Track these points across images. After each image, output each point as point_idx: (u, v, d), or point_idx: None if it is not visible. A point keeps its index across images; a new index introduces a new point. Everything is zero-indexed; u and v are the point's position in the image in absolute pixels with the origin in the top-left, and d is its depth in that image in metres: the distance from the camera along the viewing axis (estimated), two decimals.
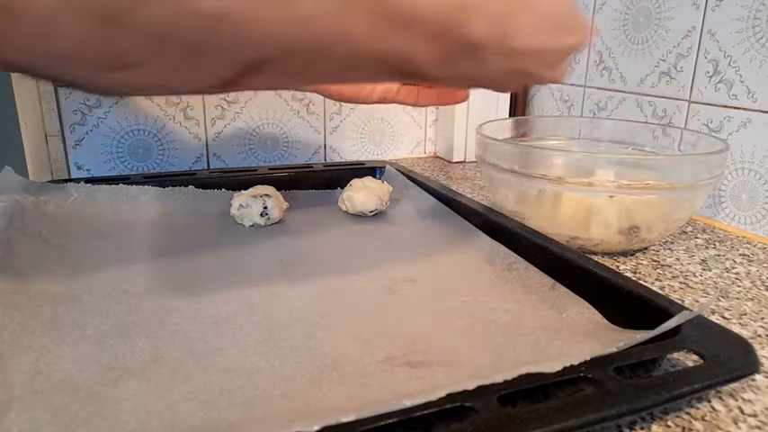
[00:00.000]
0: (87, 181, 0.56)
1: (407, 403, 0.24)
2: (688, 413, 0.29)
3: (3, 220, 0.45)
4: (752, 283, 0.44)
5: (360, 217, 0.55)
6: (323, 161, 0.81)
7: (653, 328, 0.29)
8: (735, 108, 0.55)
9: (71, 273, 0.40)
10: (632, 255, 0.49)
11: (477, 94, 0.81)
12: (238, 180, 0.59)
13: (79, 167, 0.70)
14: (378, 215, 0.56)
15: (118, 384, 0.28)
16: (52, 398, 0.27)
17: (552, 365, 0.27)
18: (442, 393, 0.24)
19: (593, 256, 0.43)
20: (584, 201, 0.46)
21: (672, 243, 0.52)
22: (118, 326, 0.34)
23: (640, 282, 0.38)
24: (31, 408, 0.26)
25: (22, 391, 0.27)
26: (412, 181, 0.61)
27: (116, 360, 0.30)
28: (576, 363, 0.27)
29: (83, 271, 0.41)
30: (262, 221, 0.52)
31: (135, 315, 0.35)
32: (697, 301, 0.41)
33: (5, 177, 0.51)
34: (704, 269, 0.47)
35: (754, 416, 0.28)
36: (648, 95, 0.65)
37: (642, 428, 0.28)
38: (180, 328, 0.34)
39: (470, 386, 0.25)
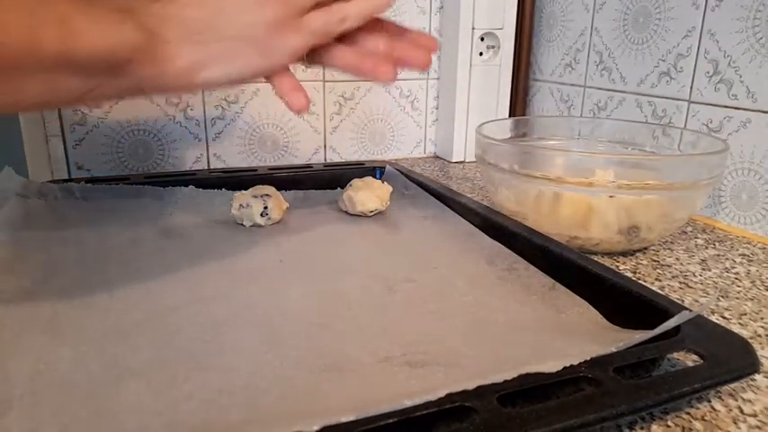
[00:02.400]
0: (87, 181, 0.56)
1: (407, 403, 0.24)
2: (688, 413, 0.29)
3: (3, 220, 0.45)
4: (752, 283, 0.44)
5: (360, 217, 0.55)
6: (323, 161, 0.81)
7: (653, 328, 0.29)
8: (735, 108, 0.55)
9: (71, 273, 0.40)
10: (632, 255, 0.49)
11: (477, 95, 0.81)
12: (238, 180, 0.59)
13: (79, 167, 0.70)
14: (378, 215, 0.56)
15: (118, 384, 0.28)
16: (52, 397, 0.27)
17: (552, 365, 0.27)
18: (442, 393, 0.24)
19: (592, 256, 0.43)
20: (584, 201, 0.46)
21: (672, 243, 0.52)
22: (118, 326, 0.34)
23: (640, 282, 0.38)
24: (31, 407, 0.26)
25: (23, 391, 0.27)
26: (412, 181, 0.61)
27: (116, 360, 0.30)
28: (575, 363, 0.27)
29: (83, 271, 0.41)
30: (262, 221, 0.52)
31: (135, 315, 0.35)
32: (697, 301, 0.41)
33: (6, 177, 0.51)
34: (704, 269, 0.47)
35: (754, 416, 0.29)
36: (648, 95, 0.65)
37: (642, 428, 0.28)
38: (180, 329, 0.34)
39: (470, 386, 0.25)
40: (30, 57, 0.27)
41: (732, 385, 0.30)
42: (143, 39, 0.31)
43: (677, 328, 0.30)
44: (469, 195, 0.61)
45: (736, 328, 0.37)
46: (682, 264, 0.48)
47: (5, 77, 0.28)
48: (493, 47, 0.80)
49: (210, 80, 0.35)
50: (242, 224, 0.52)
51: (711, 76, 0.57)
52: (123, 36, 0.30)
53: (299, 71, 0.76)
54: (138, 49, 0.31)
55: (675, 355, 0.32)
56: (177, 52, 0.32)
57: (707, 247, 0.51)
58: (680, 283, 0.44)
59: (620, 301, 0.35)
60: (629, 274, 0.43)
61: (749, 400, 0.30)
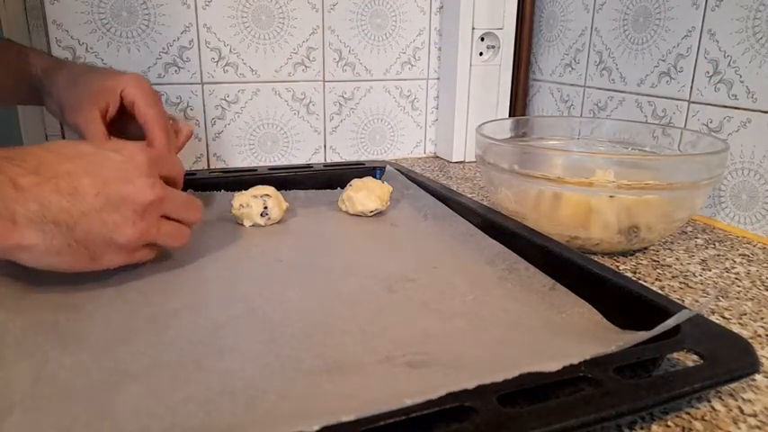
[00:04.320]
0: None
1: (408, 403, 0.24)
2: (688, 413, 0.29)
3: None
4: (752, 283, 0.44)
5: (360, 217, 0.55)
6: (323, 161, 0.81)
7: (653, 328, 0.29)
8: (734, 108, 0.55)
9: (73, 280, 0.40)
10: (632, 255, 0.49)
11: (477, 95, 0.81)
12: (238, 180, 0.59)
13: None
14: (378, 215, 0.56)
15: (119, 388, 0.28)
16: (53, 402, 0.27)
17: (552, 365, 0.27)
18: (442, 393, 0.24)
19: (592, 256, 0.43)
20: (584, 201, 0.46)
21: (672, 243, 0.52)
22: (119, 332, 0.33)
23: (640, 282, 0.38)
24: (32, 411, 0.26)
25: (24, 396, 0.27)
26: (412, 181, 0.61)
27: (117, 365, 0.30)
28: (575, 362, 0.27)
29: (83, 278, 0.40)
30: (262, 221, 0.52)
31: (136, 321, 0.35)
32: (697, 301, 0.41)
33: None
34: (704, 269, 0.47)
35: (754, 416, 0.29)
36: (648, 95, 0.65)
37: (642, 428, 0.28)
38: (181, 332, 0.34)
39: (470, 386, 0.25)
40: None
41: (732, 385, 0.30)
42: None
43: (677, 328, 0.30)
44: (470, 195, 0.61)
45: (736, 329, 0.37)
46: (682, 264, 0.48)
47: None
48: (493, 47, 0.80)
49: (27, 262, 0.35)
50: (242, 224, 0.52)
51: (711, 76, 0.57)
52: None
53: (300, 71, 0.76)
54: None
55: (675, 355, 0.32)
56: (16, 233, 0.33)
57: (707, 247, 0.51)
58: (680, 283, 0.44)
59: (621, 301, 0.35)
60: (629, 275, 0.43)
61: (749, 400, 0.30)
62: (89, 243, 0.35)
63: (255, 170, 0.62)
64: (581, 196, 0.46)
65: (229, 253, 0.46)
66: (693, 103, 0.59)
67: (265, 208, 0.51)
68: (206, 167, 0.75)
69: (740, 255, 0.50)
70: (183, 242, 0.42)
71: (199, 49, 0.71)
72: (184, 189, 0.57)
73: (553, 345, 0.31)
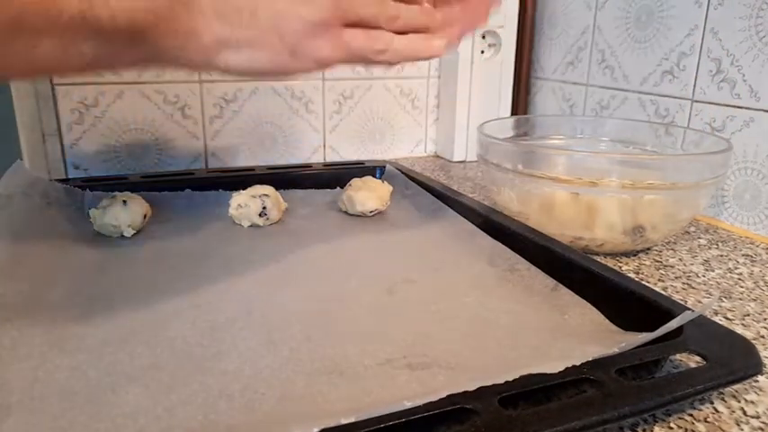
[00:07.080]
0: (85, 180, 0.56)
1: (408, 405, 0.23)
2: (690, 414, 0.28)
3: (6, 221, 0.44)
4: (755, 283, 0.44)
5: (360, 217, 0.55)
6: (322, 161, 0.81)
7: (656, 329, 0.29)
8: (737, 107, 0.55)
9: (70, 282, 0.40)
10: (635, 255, 0.49)
11: (478, 94, 0.80)
12: (237, 180, 0.59)
13: (76, 167, 0.69)
14: (378, 215, 0.55)
15: (116, 390, 0.28)
16: (51, 403, 0.27)
17: (554, 366, 0.26)
18: (443, 395, 0.24)
19: (595, 257, 0.42)
20: (589, 201, 0.46)
21: (674, 243, 0.52)
22: (117, 333, 0.33)
23: (643, 282, 0.38)
24: (29, 413, 0.26)
25: (21, 397, 0.27)
26: (412, 181, 0.61)
27: (114, 366, 0.30)
28: (577, 364, 0.27)
29: (82, 280, 0.40)
30: (260, 222, 0.51)
31: (134, 322, 0.35)
32: (700, 302, 0.41)
33: (15, 172, 0.50)
34: (707, 270, 0.46)
35: (757, 417, 0.28)
36: (651, 94, 0.64)
37: (644, 430, 0.27)
38: (179, 334, 0.33)
39: (471, 387, 0.25)
40: (45, 18, 0.26)
41: (735, 387, 0.30)
42: (169, 7, 0.29)
43: (680, 330, 0.30)
44: (471, 195, 0.61)
45: (739, 330, 0.37)
46: (685, 264, 0.47)
47: (16, 40, 0.26)
48: (494, 45, 0.80)
49: (231, 65, 0.32)
50: (240, 224, 0.52)
51: (714, 75, 0.57)
52: (149, 2, 0.28)
53: None
54: (163, 17, 0.28)
55: (678, 356, 0.32)
56: (207, 27, 0.30)
57: (710, 248, 0.51)
58: (683, 283, 0.44)
59: (623, 302, 0.35)
60: (631, 275, 0.43)
61: (752, 402, 0.29)
62: (280, 31, 0.32)
63: (254, 169, 0.62)
64: (585, 196, 0.46)
65: (227, 254, 0.46)
66: (696, 101, 0.59)
67: (264, 208, 0.51)
68: (204, 167, 0.75)
69: (743, 255, 0.49)
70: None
71: None
72: (182, 189, 0.57)
73: (555, 346, 0.31)
